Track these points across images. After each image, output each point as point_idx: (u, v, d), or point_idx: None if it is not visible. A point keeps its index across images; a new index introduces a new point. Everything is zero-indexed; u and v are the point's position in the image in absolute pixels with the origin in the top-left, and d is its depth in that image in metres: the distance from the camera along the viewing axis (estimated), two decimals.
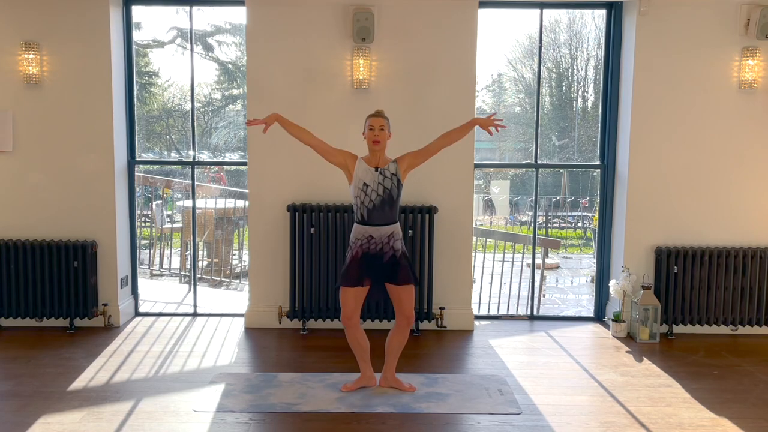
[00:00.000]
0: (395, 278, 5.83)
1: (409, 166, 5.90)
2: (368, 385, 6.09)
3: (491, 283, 9.90)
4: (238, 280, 11.17)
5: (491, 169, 19.06)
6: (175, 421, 5.39)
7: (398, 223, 5.93)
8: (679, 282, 7.65)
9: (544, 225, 17.58)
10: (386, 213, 5.81)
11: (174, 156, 19.41)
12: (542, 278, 10.23)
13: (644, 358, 6.99)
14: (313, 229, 7.53)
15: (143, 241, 12.30)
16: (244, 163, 8.22)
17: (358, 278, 5.85)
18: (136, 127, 8.16)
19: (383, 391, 5.97)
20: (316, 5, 7.54)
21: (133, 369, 6.52)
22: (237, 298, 9.89)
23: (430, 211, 7.59)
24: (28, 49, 7.43)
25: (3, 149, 7.59)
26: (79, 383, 6.13)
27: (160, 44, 20.00)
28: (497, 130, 5.97)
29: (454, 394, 5.97)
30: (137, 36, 18.24)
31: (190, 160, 8.65)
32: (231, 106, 21.24)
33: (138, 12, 11.10)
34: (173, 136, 20.50)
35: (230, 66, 21.23)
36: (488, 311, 9.13)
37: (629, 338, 7.63)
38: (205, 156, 19.60)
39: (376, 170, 5.80)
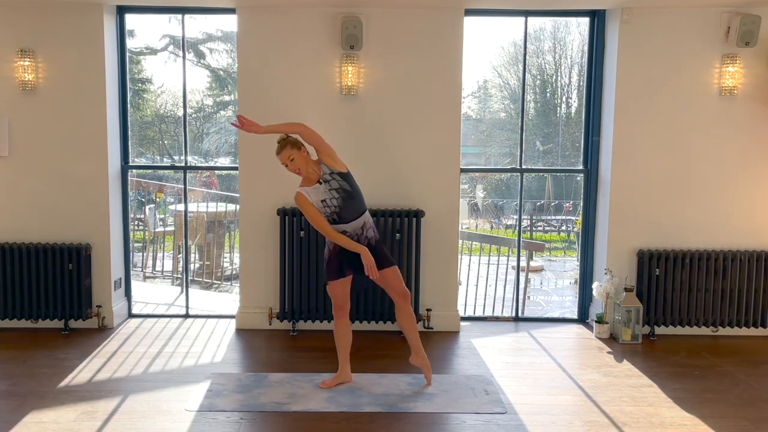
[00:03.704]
0: (377, 265, 5.99)
1: (329, 157, 6.00)
2: (345, 381, 6.24)
3: (477, 285, 9.99)
4: (229, 283, 11.26)
5: (477, 174, 19.18)
6: (167, 420, 5.47)
7: (367, 211, 6.11)
8: (661, 284, 7.74)
9: (528, 228, 17.66)
10: (353, 206, 5.98)
11: (166, 161, 19.47)
12: (527, 280, 10.33)
13: (626, 359, 7.08)
14: (302, 233, 7.62)
15: (136, 244, 12.36)
16: (235, 168, 8.29)
17: (340, 270, 6.04)
18: (130, 133, 8.24)
19: (370, 390, 6.07)
20: (306, 13, 7.64)
21: (127, 369, 6.60)
22: (228, 300, 9.97)
23: (417, 214, 7.69)
24: (24, 56, 7.52)
25: None
26: (73, 383, 6.21)
27: (153, 51, 20.07)
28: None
29: (441, 394, 6.05)
30: (130, 43, 18.29)
31: (183, 164, 8.72)
32: (222, 112, 21.30)
33: (131, 20, 11.20)
34: (166, 142, 20.55)
35: (221, 73, 21.28)
36: (474, 313, 9.24)
37: (612, 339, 7.72)
38: (196, 161, 19.66)
39: (320, 183, 5.94)
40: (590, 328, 8.11)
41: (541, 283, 12.58)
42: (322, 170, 5.96)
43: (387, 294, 7.54)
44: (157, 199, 13.48)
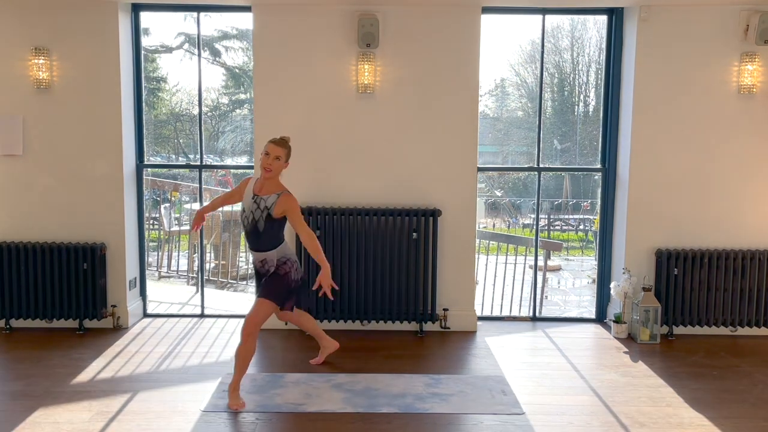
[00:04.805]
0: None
1: (284, 213, 5.78)
2: (332, 349, 6.51)
3: (494, 284, 9.96)
4: (244, 282, 11.25)
5: (494, 173, 19.16)
6: (183, 420, 5.46)
7: (274, 251, 5.91)
8: (679, 284, 7.71)
9: (546, 228, 17.63)
10: (253, 241, 5.90)
11: (182, 159, 19.50)
12: (544, 280, 10.29)
13: (644, 359, 7.04)
14: (318, 232, 7.60)
15: (151, 244, 12.38)
16: (251, 167, 8.28)
17: (289, 299, 6.09)
18: (145, 131, 8.25)
19: (387, 391, 6.04)
20: (322, 11, 7.63)
21: (141, 369, 6.61)
22: (243, 300, 9.96)
23: (434, 214, 7.67)
24: (39, 54, 7.53)
25: (13, 153, 7.68)
26: (88, 383, 6.21)
27: (168, 50, 20.13)
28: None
29: (458, 395, 6.03)
30: (145, 42, 18.37)
31: (198, 163, 8.72)
32: (238, 111, 21.36)
33: (146, 18, 11.21)
34: (181, 140, 20.60)
35: (237, 71, 21.33)
36: (491, 312, 9.20)
37: (630, 339, 7.69)
38: (212, 160, 19.70)
39: (254, 197, 5.84)
40: (608, 328, 8.07)
41: (559, 283, 12.54)
42: (267, 200, 5.76)
43: (401, 294, 7.54)
44: (173, 198, 13.49)
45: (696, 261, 7.68)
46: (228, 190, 11.11)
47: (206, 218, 6.43)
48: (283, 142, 5.85)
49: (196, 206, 11.19)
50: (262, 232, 5.80)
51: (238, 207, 6.95)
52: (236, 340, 7.46)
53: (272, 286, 5.88)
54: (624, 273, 7.75)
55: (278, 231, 5.89)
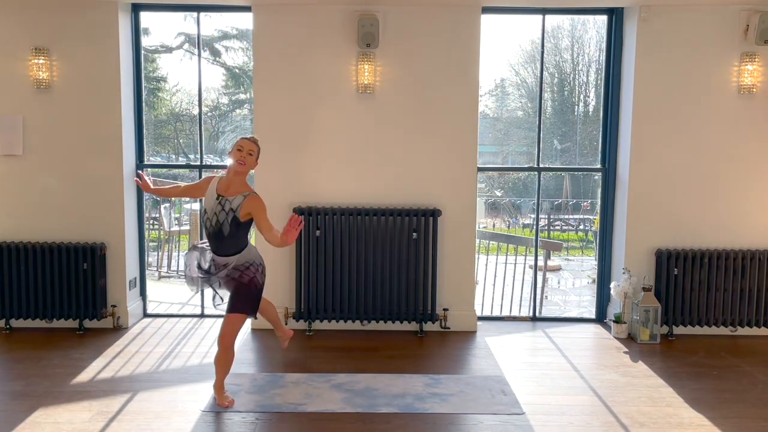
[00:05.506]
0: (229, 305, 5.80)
1: (249, 215, 5.59)
2: (287, 337, 6.64)
3: (494, 284, 9.94)
4: None
5: (494, 173, 19.15)
6: (182, 420, 5.46)
7: (236, 256, 5.71)
8: (679, 284, 7.71)
9: (546, 228, 17.62)
10: (215, 245, 5.69)
11: (182, 160, 19.49)
12: (544, 280, 10.28)
13: (644, 359, 7.04)
14: (318, 232, 7.60)
15: (151, 244, 12.36)
16: None
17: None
18: (145, 131, 8.25)
19: (387, 391, 6.04)
20: (322, 11, 7.62)
21: (141, 369, 6.60)
22: None
23: (434, 214, 7.66)
24: (39, 54, 7.53)
25: (13, 153, 7.67)
26: (88, 383, 6.21)
27: (168, 50, 20.12)
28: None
29: (458, 395, 6.02)
30: (145, 42, 18.36)
31: (198, 163, 8.71)
32: (238, 111, 21.37)
33: (146, 18, 11.20)
34: (181, 140, 20.60)
35: (237, 71, 21.32)
36: (491, 312, 9.19)
37: (630, 339, 7.69)
38: (212, 160, 19.71)
39: (218, 198, 5.62)
40: (608, 328, 8.07)
41: (559, 283, 12.53)
42: (232, 202, 5.58)
43: (401, 294, 7.54)
44: (173, 198, 13.48)
45: (696, 261, 7.68)
46: None
47: (148, 185, 6.16)
48: (255, 140, 5.74)
49: (196, 206, 11.18)
50: (227, 236, 5.59)
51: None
52: (240, 340, 7.47)
53: (242, 298, 5.72)
54: (624, 273, 7.74)
55: (243, 235, 5.70)
